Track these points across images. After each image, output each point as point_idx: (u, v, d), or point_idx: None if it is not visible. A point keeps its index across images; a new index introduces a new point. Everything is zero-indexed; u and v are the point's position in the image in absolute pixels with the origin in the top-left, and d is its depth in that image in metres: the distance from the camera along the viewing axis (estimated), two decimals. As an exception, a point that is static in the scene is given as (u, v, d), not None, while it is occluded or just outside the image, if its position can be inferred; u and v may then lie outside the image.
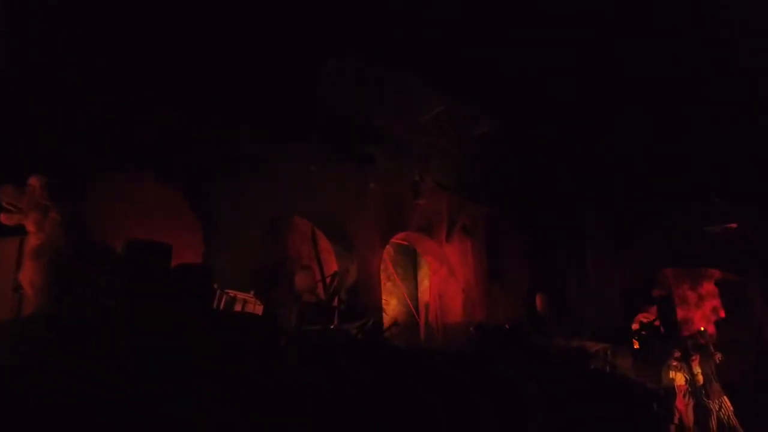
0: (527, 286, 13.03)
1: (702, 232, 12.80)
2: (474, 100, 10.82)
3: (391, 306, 11.64)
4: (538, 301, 13.25)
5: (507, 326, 9.28)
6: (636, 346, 14.29)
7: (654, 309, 15.84)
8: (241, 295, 6.98)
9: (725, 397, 10.59)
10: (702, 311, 15.42)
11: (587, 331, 12.16)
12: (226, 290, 6.89)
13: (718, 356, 11.02)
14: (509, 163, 11.83)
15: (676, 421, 10.71)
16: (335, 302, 9.35)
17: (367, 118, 10.17)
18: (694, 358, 11.01)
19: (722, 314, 14.38)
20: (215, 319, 5.15)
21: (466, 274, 10.98)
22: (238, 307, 6.99)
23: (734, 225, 12.34)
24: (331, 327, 7.32)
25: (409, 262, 12.41)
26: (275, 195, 8.87)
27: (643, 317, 15.70)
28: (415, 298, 12.06)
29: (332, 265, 9.99)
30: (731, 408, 10.50)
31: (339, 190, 9.58)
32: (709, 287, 15.23)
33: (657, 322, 15.32)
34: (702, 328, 12.62)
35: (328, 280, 9.77)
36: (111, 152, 7.12)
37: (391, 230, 10.29)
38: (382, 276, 11.77)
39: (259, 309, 6.97)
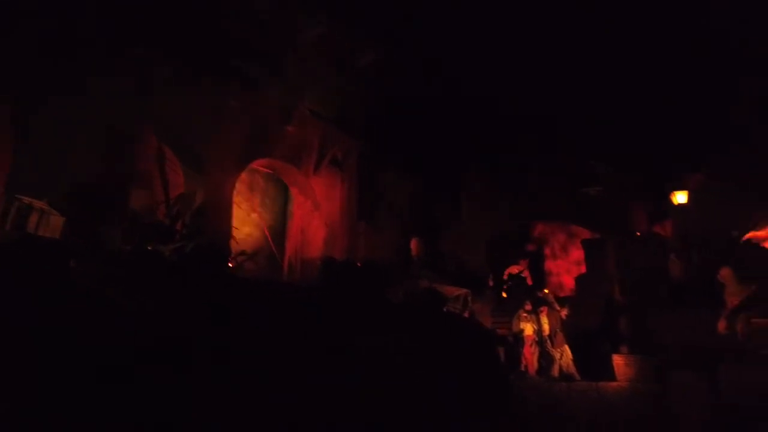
0: (402, 229, 12.92)
1: (573, 191, 13.22)
2: (357, 28, 10.09)
3: (254, 237, 11.11)
4: (413, 244, 13.25)
5: (358, 264, 9.07)
6: (504, 295, 14.90)
7: (525, 262, 16.49)
8: (37, 204, 6.17)
9: (566, 347, 11.25)
10: (567, 267, 16.22)
11: (453, 276, 12.37)
12: (18, 196, 6.06)
13: (564, 312, 11.64)
14: (391, 100, 11.33)
15: (522, 368, 11.24)
16: (178, 226, 8.66)
17: (234, 28, 9.19)
18: (542, 310, 11.53)
19: (584, 270, 15.17)
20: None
21: (331, 209, 10.57)
22: (34, 217, 6.20)
23: (601, 188, 12.79)
24: (149, 249, 6.68)
25: (280, 193, 11.84)
26: (114, 104, 7.84)
27: (515, 269, 16.33)
28: (282, 231, 11.59)
29: (181, 188, 9.21)
30: (571, 356, 11.19)
31: (192, 104, 8.67)
32: (577, 245, 15.97)
33: (525, 273, 15.98)
34: (546, 291, 13.30)
35: (173, 201, 9.00)
36: None
37: (250, 155, 9.57)
38: (247, 206, 11.15)
39: (57, 221, 6.21)
